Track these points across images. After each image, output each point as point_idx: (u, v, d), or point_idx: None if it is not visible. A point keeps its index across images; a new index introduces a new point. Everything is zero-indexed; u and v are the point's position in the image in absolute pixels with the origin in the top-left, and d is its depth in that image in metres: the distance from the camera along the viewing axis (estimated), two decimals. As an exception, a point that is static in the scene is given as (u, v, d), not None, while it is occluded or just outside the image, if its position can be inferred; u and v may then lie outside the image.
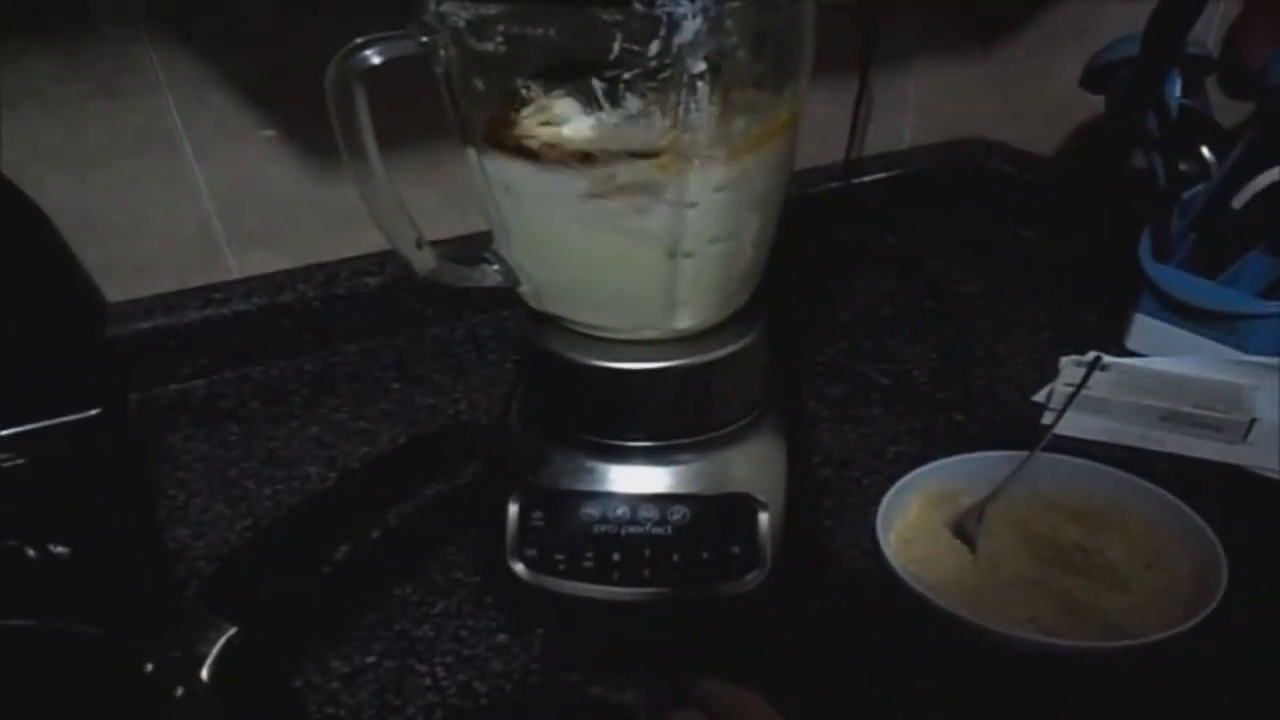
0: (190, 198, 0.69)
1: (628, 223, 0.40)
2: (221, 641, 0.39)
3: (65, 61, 0.61)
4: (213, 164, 0.68)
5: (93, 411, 0.62)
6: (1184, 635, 0.41)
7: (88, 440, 0.61)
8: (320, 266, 0.75)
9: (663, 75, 0.35)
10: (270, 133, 0.69)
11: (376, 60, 0.36)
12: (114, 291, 0.70)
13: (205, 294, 0.71)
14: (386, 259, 0.75)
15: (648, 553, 0.45)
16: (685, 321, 0.45)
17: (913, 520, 0.52)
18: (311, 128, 0.69)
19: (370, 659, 0.47)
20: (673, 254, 0.41)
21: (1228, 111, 0.70)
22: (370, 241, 0.75)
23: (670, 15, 0.33)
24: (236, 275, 0.73)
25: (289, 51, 0.65)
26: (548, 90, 0.37)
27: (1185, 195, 0.66)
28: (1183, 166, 0.66)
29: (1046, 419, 0.61)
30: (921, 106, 0.97)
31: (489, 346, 0.76)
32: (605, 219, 0.40)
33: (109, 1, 0.60)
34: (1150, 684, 0.43)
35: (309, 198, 0.72)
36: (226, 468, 0.62)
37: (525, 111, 0.39)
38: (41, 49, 0.60)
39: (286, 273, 0.74)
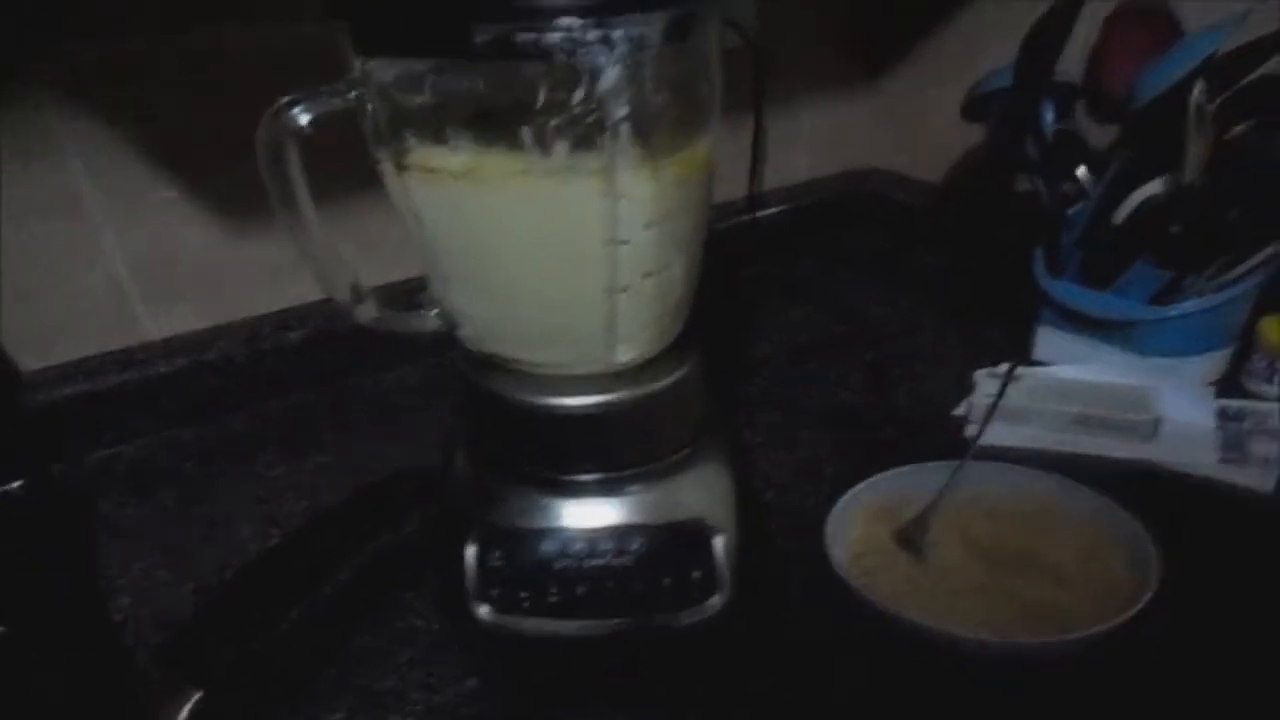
0: (100, 260, 0.67)
1: (563, 260, 0.42)
2: (188, 707, 0.38)
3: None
4: (121, 226, 0.67)
5: (13, 485, 0.59)
6: (1126, 624, 0.43)
7: (10, 514, 0.58)
8: (241, 323, 0.74)
9: (588, 121, 0.36)
10: (172, 193, 0.68)
11: (304, 119, 0.37)
12: (28, 360, 0.67)
13: (125, 357, 0.69)
14: (308, 313, 0.75)
15: (611, 584, 0.45)
16: (625, 355, 0.46)
17: (860, 535, 0.53)
18: (220, 185, 0.69)
19: (337, 715, 0.46)
20: (609, 290, 0.42)
21: (1096, 134, 0.74)
22: (291, 296, 0.75)
23: (592, 65, 0.35)
24: (155, 336, 0.72)
25: (198, 112, 0.65)
26: (476, 140, 0.38)
27: (1070, 213, 0.69)
28: (1063, 187, 0.70)
29: (970, 431, 0.63)
30: (815, 140, 1.01)
31: (416, 393, 0.76)
32: (541, 252, 0.42)
33: (17, 66, 0.59)
34: (1099, 675, 0.44)
35: (223, 255, 0.72)
36: (163, 532, 0.60)
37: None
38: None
39: (208, 331, 0.73)
